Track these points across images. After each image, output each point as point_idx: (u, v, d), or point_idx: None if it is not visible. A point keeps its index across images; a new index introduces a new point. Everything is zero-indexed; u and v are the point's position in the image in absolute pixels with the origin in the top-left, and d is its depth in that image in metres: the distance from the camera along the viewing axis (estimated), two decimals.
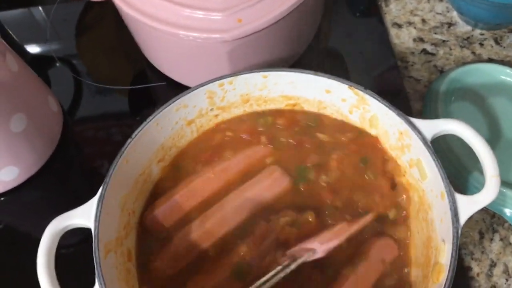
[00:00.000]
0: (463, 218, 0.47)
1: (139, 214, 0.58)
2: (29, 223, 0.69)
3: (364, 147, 0.59)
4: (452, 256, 0.45)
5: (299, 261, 0.50)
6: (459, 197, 0.48)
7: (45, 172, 0.72)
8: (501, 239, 0.62)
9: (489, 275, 0.60)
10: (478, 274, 0.60)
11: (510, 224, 0.63)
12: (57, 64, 0.82)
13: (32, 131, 0.66)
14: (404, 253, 0.54)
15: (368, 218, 0.54)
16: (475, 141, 0.50)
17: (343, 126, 0.60)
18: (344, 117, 0.61)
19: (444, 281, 0.45)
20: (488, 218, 0.64)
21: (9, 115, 0.62)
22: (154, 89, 0.79)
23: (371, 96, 0.55)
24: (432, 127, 0.52)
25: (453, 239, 0.46)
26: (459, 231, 0.46)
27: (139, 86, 0.79)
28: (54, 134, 0.72)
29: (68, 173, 0.74)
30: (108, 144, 0.76)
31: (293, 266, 0.50)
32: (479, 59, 0.77)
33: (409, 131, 0.53)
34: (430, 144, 0.51)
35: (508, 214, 0.62)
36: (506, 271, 0.60)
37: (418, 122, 0.52)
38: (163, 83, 0.78)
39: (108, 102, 0.79)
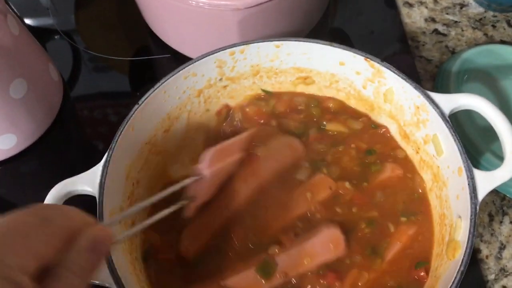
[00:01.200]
0: (481, 194, 0.46)
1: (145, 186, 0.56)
2: (27, 194, 0.67)
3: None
4: (470, 232, 0.44)
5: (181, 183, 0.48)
6: (477, 173, 0.47)
7: (44, 142, 0.69)
8: (511, 222, 0.61)
9: (498, 258, 0.59)
10: (487, 257, 0.59)
11: None
12: (56, 37, 0.79)
13: (32, 99, 0.64)
14: None
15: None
16: (495, 117, 0.48)
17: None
18: (357, 92, 0.59)
19: (461, 258, 0.44)
20: (498, 200, 0.63)
21: (9, 80, 0.60)
22: (157, 62, 0.77)
23: (388, 68, 0.53)
24: (451, 101, 0.50)
25: (470, 215, 0.45)
26: (477, 207, 0.45)
27: (141, 58, 0.76)
28: (54, 103, 0.70)
29: (68, 144, 0.71)
30: (108, 118, 0.74)
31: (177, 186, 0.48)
32: (491, 41, 0.75)
33: (426, 105, 0.51)
34: (448, 119, 0.49)
35: None
36: None
37: (436, 96, 0.51)
38: (168, 55, 0.75)
39: (109, 76, 0.77)
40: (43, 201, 0.48)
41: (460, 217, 0.47)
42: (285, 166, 0.55)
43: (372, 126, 0.59)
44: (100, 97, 0.76)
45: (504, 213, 0.62)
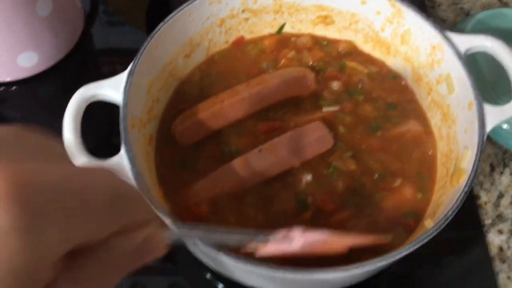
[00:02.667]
0: (489, 125, 0.48)
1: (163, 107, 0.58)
2: (43, 117, 0.69)
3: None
4: (476, 157, 0.46)
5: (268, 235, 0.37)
6: (487, 107, 0.49)
7: (63, 67, 0.71)
8: (511, 173, 0.64)
9: (496, 205, 0.61)
10: (485, 203, 0.62)
11: None
12: None
13: (56, 19, 0.65)
14: None
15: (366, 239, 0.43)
16: (509, 57, 0.50)
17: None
18: (375, 34, 0.61)
19: (465, 183, 0.46)
20: (500, 153, 0.65)
21: None
22: (175, 1, 0.78)
23: (408, 8, 0.55)
24: (466, 41, 0.52)
25: (478, 144, 0.47)
26: (485, 137, 0.47)
27: None
28: (76, 28, 0.71)
29: (86, 71, 0.73)
30: (126, 50, 0.75)
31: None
32: (505, 6, 0.77)
33: (442, 44, 0.53)
34: (463, 57, 0.51)
35: None
36: None
37: (452, 35, 0.53)
38: None
39: (125, 11, 0.78)
40: (60, 124, 0.48)
41: (467, 148, 0.49)
42: (292, 94, 0.57)
43: (391, 76, 0.61)
44: (121, 29, 0.77)
45: (505, 165, 0.64)
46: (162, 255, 0.27)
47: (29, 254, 0.20)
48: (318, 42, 0.63)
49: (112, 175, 0.25)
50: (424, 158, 0.55)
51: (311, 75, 0.57)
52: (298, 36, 0.63)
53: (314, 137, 0.53)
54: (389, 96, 0.59)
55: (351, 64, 0.60)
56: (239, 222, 0.49)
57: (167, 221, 0.42)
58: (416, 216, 0.51)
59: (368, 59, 0.62)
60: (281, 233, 0.37)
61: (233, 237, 0.36)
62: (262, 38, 0.63)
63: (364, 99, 0.58)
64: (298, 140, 0.53)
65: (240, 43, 0.63)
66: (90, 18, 0.76)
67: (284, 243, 0.37)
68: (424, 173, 0.54)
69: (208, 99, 0.57)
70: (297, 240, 0.38)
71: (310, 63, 0.60)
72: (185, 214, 0.50)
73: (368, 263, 0.41)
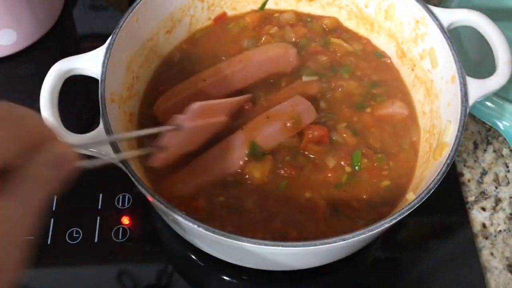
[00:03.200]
0: (472, 99, 0.48)
1: (144, 87, 0.57)
2: (21, 97, 0.67)
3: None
4: (458, 131, 0.46)
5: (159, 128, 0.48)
6: (470, 80, 0.48)
7: (42, 46, 0.69)
8: (494, 151, 0.64)
9: (480, 182, 0.62)
10: (469, 180, 0.62)
11: (504, 138, 0.64)
12: None
13: None
14: None
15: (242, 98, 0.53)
16: (492, 30, 0.50)
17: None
18: (359, 10, 0.60)
19: (447, 155, 0.45)
20: (484, 131, 0.65)
21: None
22: None
23: None
24: (450, 15, 0.52)
25: (460, 117, 0.47)
26: (467, 110, 0.47)
27: None
28: (56, 7, 0.70)
29: (66, 51, 0.71)
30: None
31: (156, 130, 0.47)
32: None
33: (426, 17, 0.52)
34: (446, 31, 0.51)
35: (502, 128, 0.63)
36: (496, 179, 0.62)
37: (436, 9, 0.52)
38: None
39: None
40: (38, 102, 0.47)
41: (449, 121, 0.49)
42: (274, 71, 0.57)
43: (376, 54, 0.60)
44: (100, 15, 0.75)
45: (489, 143, 0.64)
46: (75, 164, 0.31)
47: None
48: (301, 18, 0.62)
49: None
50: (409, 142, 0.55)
51: (293, 50, 0.57)
52: (281, 12, 0.62)
53: (297, 110, 0.52)
54: (373, 74, 0.58)
55: (335, 40, 0.59)
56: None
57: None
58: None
59: (353, 36, 0.61)
60: (169, 126, 0.47)
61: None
62: (245, 15, 0.62)
63: (349, 77, 0.58)
64: (278, 118, 0.52)
65: (222, 20, 0.62)
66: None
67: (178, 131, 0.47)
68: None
69: (189, 79, 0.56)
70: (183, 121, 0.47)
71: (293, 40, 0.59)
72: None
73: (350, 236, 0.41)
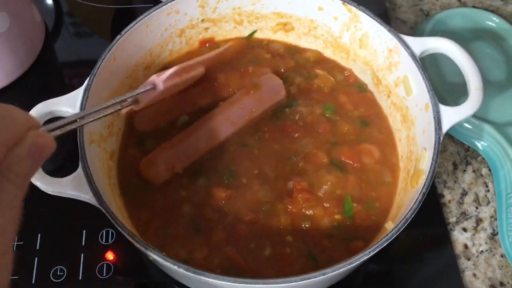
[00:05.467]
0: (446, 126, 0.49)
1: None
2: None
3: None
4: (433, 159, 0.47)
5: (135, 92, 0.48)
6: (443, 108, 0.49)
7: (23, 83, 0.70)
8: (474, 171, 0.65)
9: (460, 203, 0.62)
10: (449, 201, 0.62)
11: (483, 158, 0.65)
12: None
13: (14, 34, 0.64)
14: None
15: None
16: (461, 57, 0.51)
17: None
18: (334, 39, 0.61)
19: (424, 182, 0.46)
20: (463, 151, 0.66)
21: None
22: (140, 11, 0.77)
23: (364, 12, 0.56)
24: (421, 43, 0.53)
25: (434, 145, 0.48)
26: (441, 138, 0.48)
27: (123, 6, 0.77)
28: (36, 43, 0.70)
29: (47, 87, 0.72)
30: (90, 64, 0.74)
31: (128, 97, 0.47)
32: (464, 6, 0.79)
33: (398, 47, 0.54)
34: (418, 59, 0.52)
35: (481, 148, 0.64)
36: (476, 199, 0.63)
37: (407, 38, 0.54)
38: (150, 5, 0.76)
39: (91, 22, 0.77)
40: None
41: (425, 148, 0.50)
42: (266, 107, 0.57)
43: (358, 86, 0.61)
44: (82, 43, 0.76)
45: (468, 163, 0.65)
46: (53, 148, 0.31)
47: None
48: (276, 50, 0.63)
49: None
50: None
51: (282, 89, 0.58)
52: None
53: (268, 85, 0.55)
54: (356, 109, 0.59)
55: (320, 72, 0.60)
56: None
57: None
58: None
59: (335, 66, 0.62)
60: (144, 86, 0.48)
61: (108, 109, 0.42)
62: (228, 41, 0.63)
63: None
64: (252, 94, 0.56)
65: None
66: (55, 30, 0.76)
67: (152, 92, 0.48)
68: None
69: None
70: (159, 83, 0.49)
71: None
72: (145, 227, 0.49)
73: (330, 270, 0.41)
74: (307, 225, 0.50)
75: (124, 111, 0.46)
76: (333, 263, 0.41)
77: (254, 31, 0.63)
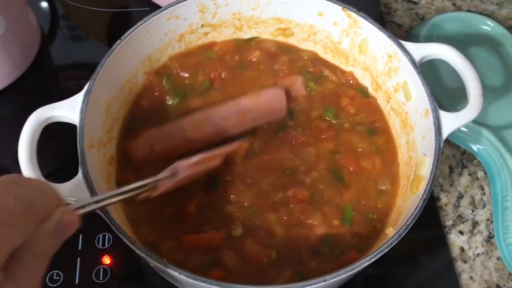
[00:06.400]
0: (446, 132, 0.49)
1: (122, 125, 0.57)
2: (0, 139, 0.67)
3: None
4: (433, 165, 0.47)
5: (156, 177, 0.46)
6: (442, 113, 0.50)
7: (19, 87, 0.69)
8: (470, 174, 0.65)
9: (456, 206, 0.63)
10: (446, 204, 0.63)
11: (479, 161, 0.66)
12: None
13: (10, 38, 0.64)
14: None
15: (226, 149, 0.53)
16: (461, 63, 0.52)
17: None
18: (333, 45, 0.61)
19: (424, 188, 0.47)
20: (459, 154, 0.67)
21: None
22: (136, 14, 0.77)
23: (364, 18, 0.56)
24: (421, 49, 0.53)
25: (435, 151, 0.48)
26: (441, 144, 0.48)
27: (119, 10, 0.77)
28: (32, 46, 0.70)
29: (43, 91, 0.71)
30: (86, 67, 0.74)
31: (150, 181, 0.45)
32: (459, 11, 0.79)
33: (398, 53, 0.54)
34: (418, 65, 0.53)
35: (477, 151, 0.65)
36: (472, 202, 0.63)
37: (407, 44, 0.54)
38: (146, 8, 0.76)
39: (87, 25, 0.77)
40: (17, 145, 0.46)
41: (425, 154, 0.50)
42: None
43: (358, 90, 0.61)
44: (78, 46, 0.76)
45: (464, 166, 0.66)
46: (77, 227, 0.32)
47: None
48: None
49: (13, 184, 0.29)
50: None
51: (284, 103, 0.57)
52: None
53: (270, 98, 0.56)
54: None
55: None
56: None
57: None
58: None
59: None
60: (166, 172, 0.47)
61: (127, 194, 0.42)
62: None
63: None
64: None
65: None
66: (50, 33, 0.75)
67: (172, 178, 0.47)
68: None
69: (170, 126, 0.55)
70: (180, 170, 0.48)
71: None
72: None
73: (331, 276, 0.41)
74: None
75: (142, 196, 0.45)
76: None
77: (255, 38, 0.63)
